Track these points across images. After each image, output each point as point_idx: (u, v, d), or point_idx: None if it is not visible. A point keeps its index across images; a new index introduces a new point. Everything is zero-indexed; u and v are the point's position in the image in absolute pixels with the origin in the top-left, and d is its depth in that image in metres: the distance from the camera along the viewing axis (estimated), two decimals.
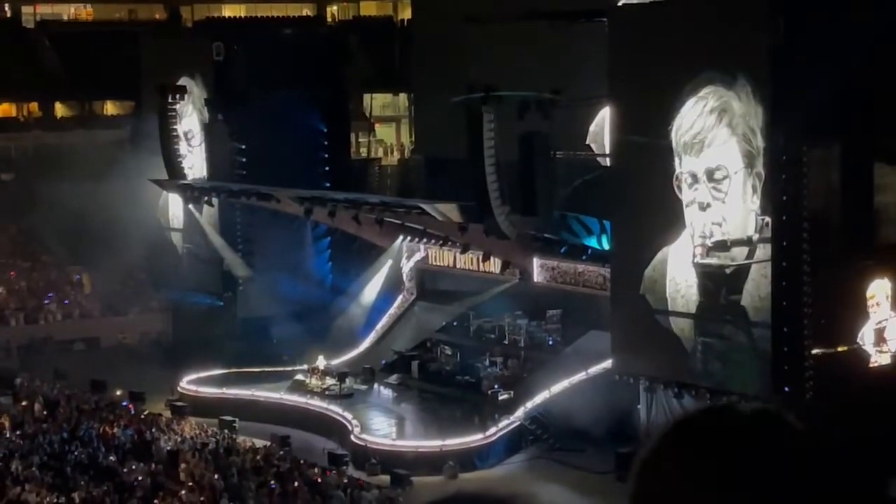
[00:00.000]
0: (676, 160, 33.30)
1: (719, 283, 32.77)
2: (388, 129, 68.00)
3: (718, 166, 32.23)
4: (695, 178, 32.88)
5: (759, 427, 2.53)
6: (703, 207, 32.68)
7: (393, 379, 44.29)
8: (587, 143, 40.96)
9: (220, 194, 48.34)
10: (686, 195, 33.11)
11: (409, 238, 46.10)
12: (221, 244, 49.75)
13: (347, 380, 43.34)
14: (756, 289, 31.79)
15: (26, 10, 72.70)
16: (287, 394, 43.13)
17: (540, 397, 39.26)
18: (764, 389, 31.62)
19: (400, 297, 48.24)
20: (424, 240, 45.31)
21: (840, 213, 31.93)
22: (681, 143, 33.04)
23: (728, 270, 32.46)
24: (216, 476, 35.05)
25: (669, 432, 2.57)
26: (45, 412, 41.67)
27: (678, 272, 33.60)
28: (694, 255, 33.18)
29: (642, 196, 34.40)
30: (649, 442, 2.58)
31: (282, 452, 37.73)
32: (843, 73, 30.28)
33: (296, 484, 34.39)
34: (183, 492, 33.75)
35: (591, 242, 39.60)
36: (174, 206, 51.91)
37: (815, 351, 31.30)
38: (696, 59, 32.52)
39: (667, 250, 33.77)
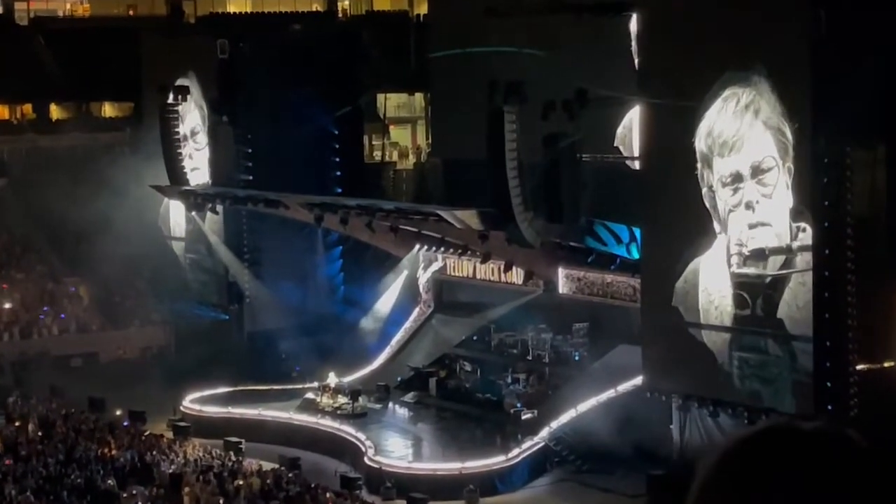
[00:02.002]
0: (706, 169, 33.12)
1: (755, 294, 32.59)
2: (403, 130, 67.98)
3: (763, 158, 32.13)
4: (739, 177, 32.71)
5: (822, 445, 2.64)
6: (751, 206, 32.47)
7: (409, 397, 44.24)
8: (615, 145, 40.83)
9: (224, 201, 48.33)
10: (729, 199, 32.94)
11: (425, 247, 46.00)
12: (226, 254, 49.78)
13: (361, 398, 43.27)
14: (794, 299, 31.62)
15: (19, 6, 72.81)
16: (296, 413, 43.09)
17: (566, 416, 39.17)
18: (805, 408, 31.43)
19: (416, 310, 48.20)
20: (442, 249, 45.22)
21: (886, 219, 31.73)
22: (716, 145, 32.87)
23: (765, 280, 32.29)
24: (221, 501, 35.05)
25: (730, 452, 2.66)
26: (39, 433, 41.68)
27: (711, 283, 33.46)
28: (730, 265, 33.03)
29: (673, 202, 34.26)
30: (709, 460, 2.67)
31: (291, 475, 37.69)
32: (887, 68, 30.11)
33: None
34: None
35: (620, 251, 39.42)
36: (176, 214, 51.95)
37: (859, 367, 31.11)
38: (723, 56, 32.44)
39: (699, 261, 33.62)
